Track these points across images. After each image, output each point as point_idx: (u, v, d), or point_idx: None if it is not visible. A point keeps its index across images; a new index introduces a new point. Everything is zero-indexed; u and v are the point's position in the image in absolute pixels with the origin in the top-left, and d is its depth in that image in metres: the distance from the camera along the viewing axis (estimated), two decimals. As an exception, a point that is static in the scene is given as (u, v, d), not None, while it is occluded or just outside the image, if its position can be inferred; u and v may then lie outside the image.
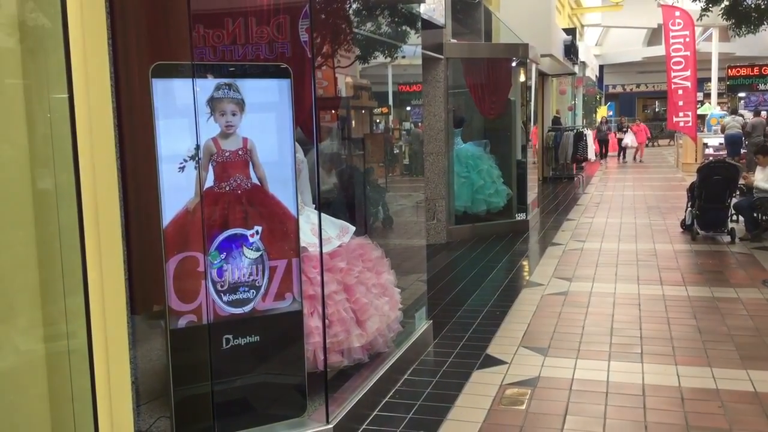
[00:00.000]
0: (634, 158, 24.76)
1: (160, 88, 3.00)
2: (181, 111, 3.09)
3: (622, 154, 25.38)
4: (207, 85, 3.11)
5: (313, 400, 3.55)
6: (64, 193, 2.44)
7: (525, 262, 8.33)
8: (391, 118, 9.36)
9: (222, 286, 3.20)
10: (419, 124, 9.99)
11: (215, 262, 3.18)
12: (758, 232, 9.13)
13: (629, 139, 25.39)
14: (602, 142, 25.12)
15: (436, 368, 4.73)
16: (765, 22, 13.30)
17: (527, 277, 7.46)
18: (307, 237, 3.77)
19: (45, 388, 2.50)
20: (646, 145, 27.09)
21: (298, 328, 3.43)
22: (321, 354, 3.69)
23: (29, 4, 2.50)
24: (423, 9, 7.01)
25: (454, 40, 9.99)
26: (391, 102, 8.85)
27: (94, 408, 2.48)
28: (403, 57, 6.92)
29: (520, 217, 10.70)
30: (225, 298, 3.21)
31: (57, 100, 2.48)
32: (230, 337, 3.25)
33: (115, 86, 2.57)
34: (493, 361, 4.82)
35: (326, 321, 3.83)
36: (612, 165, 23.66)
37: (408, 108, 10.70)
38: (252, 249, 3.26)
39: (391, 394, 4.27)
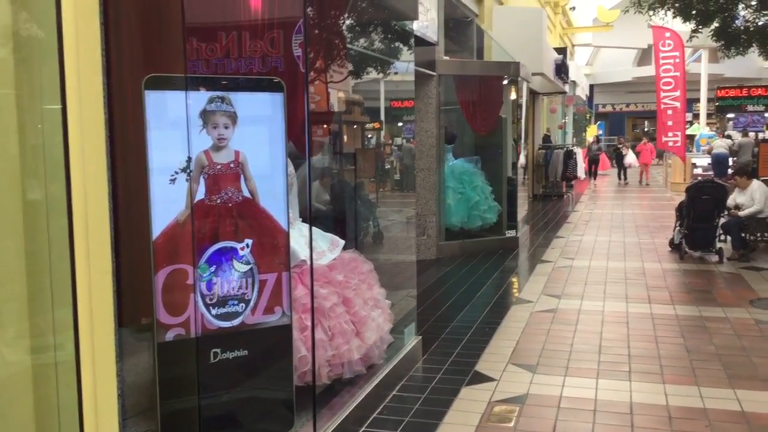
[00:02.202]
0: (640, 181, 22.88)
1: (153, 100, 3.01)
2: (173, 123, 3.09)
3: (623, 173, 23.75)
4: (200, 98, 3.12)
5: (300, 416, 3.53)
6: (55, 204, 2.43)
7: (514, 279, 8.35)
8: (382, 133, 9.38)
9: (211, 300, 3.19)
10: (411, 139, 10.03)
11: (205, 274, 3.16)
12: (746, 252, 9.20)
13: (632, 158, 23.95)
14: (592, 161, 23.94)
15: (425, 384, 4.72)
16: (754, 44, 13.48)
17: (516, 294, 7.47)
18: (304, 250, 3.78)
19: (31, 399, 2.47)
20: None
21: (286, 343, 3.42)
22: (325, 367, 3.80)
23: (23, 15, 2.50)
24: (416, 26, 7.05)
25: (447, 57, 10.05)
26: (383, 117, 8.88)
27: (80, 421, 2.45)
28: (396, 73, 6.95)
29: (510, 233, 10.73)
30: (214, 312, 3.20)
31: (49, 111, 2.47)
32: (218, 350, 3.23)
33: (107, 98, 2.56)
34: (481, 378, 4.82)
35: (329, 333, 3.90)
36: (601, 184, 23.58)
37: (400, 123, 10.74)
38: (242, 262, 3.25)
39: (379, 409, 4.26)
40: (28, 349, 2.49)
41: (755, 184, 9.33)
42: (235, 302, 3.24)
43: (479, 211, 10.30)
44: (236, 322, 3.25)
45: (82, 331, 2.42)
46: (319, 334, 3.74)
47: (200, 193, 3.15)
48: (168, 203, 3.07)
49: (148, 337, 3.31)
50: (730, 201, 9.37)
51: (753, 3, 13.20)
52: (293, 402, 3.44)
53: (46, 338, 2.51)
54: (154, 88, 3.00)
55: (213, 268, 3.18)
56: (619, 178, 23.63)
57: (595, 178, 23.75)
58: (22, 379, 2.47)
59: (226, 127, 3.16)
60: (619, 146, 25.42)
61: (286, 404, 3.45)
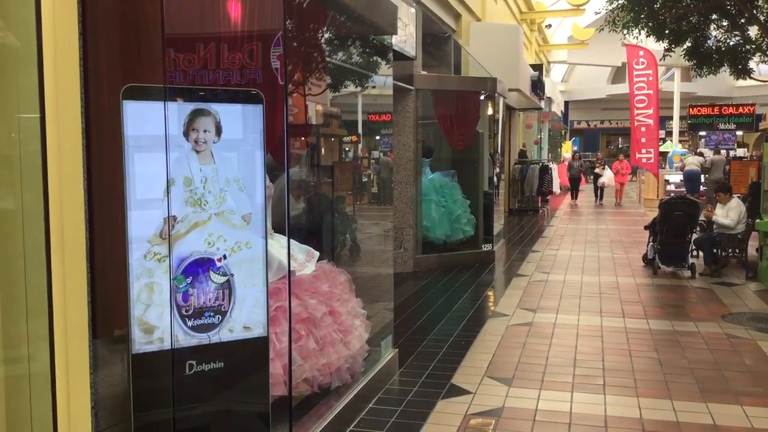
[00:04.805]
0: (616, 202, 21.45)
1: (131, 109, 2.99)
2: (151, 133, 3.07)
3: (599, 194, 22.19)
4: (181, 110, 3.10)
5: (276, 429, 3.50)
6: (31, 213, 2.40)
7: (490, 293, 8.38)
8: (360, 146, 9.42)
9: (187, 311, 3.17)
10: (388, 152, 10.07)
11: (181, 286, 3.14)
12: (718, 268, 9.33)
13: (607, 177, 22.22)
14: (573, 179, 22.46)
15: (401, 397, 4.71)
16: (725, 64, 13.74)
17: (492, 308, 7.50)
18: (286, 261, 3.78)
19: (4, 411, 2.43)
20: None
21: (263, 355, 3.40)
22: (318, 376, 3.87)
23: (-1, 23, 2.48)
24: (394, 40, 7.10)
25: (425, 72, 10.12)
26: (360, 131, 8.92)
27: (52, 433, 2.42)
28: (374, 87, 6.99)
29: (487, 247, 10.79)
30: (189, 323, 3.17)
31: (25, 120, 2.46)
32: (194, 362, 3.21)
33: (84, 107, 2.55)
34: (457, 391, 4.82)
35: (320, 343, 3.96)
36: (580, 201, 22.59)
37: (377, 137, 10.78)
38: (219, 274, 3.23)
39: (355, 423, 4.24)
40: (1, 360, 2.46)
41: (734, 202, 9.49)
42: (212, 314, 3.22)
43: (461, 224, 10.37)
44: (212, 333, 3.23)
45: (57, 342, 2.39)
46: (311, 344, 3.76)
47: (178, 204, 3.13)
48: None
49: (122, 348, 3.28)
50: (721, 218, 9.47)
51: (724, 24, 13.47)
52: (269, 415, 3.41)
53: (20, 349, 2.48)
54: (132, 98, 2.99)
55: (189, 279, 3.16)
56: (596, 197, 22.29)
57: (575, 198, 22.46)
58: (-5, 391, 2.43)
59: (206, 132, 3.16)
60: (597, 164, 23.57)
61: (262, 417, 3.42)
